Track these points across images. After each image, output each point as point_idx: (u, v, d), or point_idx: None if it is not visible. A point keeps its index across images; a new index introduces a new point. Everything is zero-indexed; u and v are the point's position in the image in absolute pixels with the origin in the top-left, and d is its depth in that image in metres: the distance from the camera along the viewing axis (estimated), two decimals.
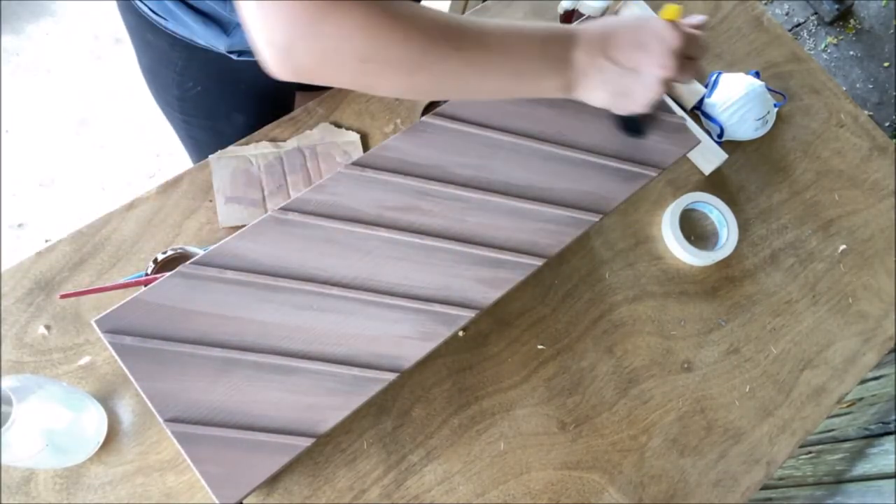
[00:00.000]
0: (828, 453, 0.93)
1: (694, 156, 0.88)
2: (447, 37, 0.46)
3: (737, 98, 0.87)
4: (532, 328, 0.76)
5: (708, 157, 0.86)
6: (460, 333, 0.74)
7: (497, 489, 0.69)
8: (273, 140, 0.79)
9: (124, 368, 0.49)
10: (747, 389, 0.78)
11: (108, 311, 0.50)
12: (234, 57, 0.72)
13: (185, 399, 0.49)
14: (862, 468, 0.83)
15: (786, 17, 2.27)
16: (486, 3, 0.93)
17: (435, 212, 0.58)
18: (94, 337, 0.68)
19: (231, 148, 0.77)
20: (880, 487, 0.77)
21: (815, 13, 2.26)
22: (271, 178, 0.76)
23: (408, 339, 0.54)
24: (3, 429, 0.51)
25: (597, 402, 0.75)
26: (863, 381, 1.00)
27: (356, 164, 0.58)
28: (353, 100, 0.83)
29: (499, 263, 0.57)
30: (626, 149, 0.63)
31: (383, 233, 0.56)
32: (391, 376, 0.52)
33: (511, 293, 0.58)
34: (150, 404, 0.49)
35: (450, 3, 1.56)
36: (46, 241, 1.48)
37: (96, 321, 0.50)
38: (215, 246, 0.53)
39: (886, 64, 2.22)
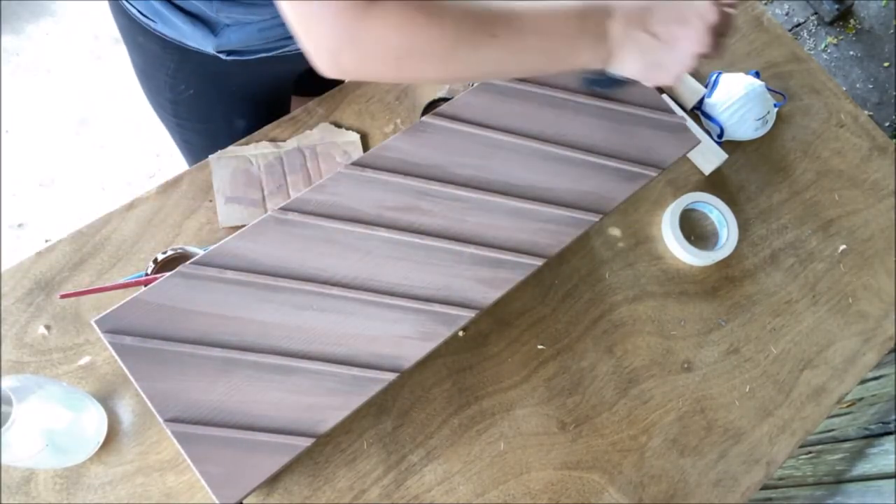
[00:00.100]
0: (828, 453, 0.93)
1: (694, 156, 0.88)
2: (482, 26, 0.48)
3: (737, 98, 0.87)
4: (532, 328, 0.76)
5: (708, 157, 0.86)
6: (460, 333, 0.74)
7: (497, 489, 0.69)
8: (273, 140, 0.79)
9: (124, 368, 0.49)
10: (747, 389, 0.78)
11: (108, 311, 0.50)
12: (223, 57, 0.72)
13: (185, 399, 0.49)
14: (862, 468, 0.83)
15: (786, 17, 2.27)
16: None
17: (435, 212, 0.58)
18: (94, 337, 0.68)
19: (231, 148, 0.77)
20: (880, 487, 0.77)
21: (815, 13, 2.26)
22: (271, 178, 0.76)
23: (408, 339, 0.54)
24: (3, 429, 0.51)
25: (597, 402, 0.75)
26: (863, 381, 1.00)
27: (356, 164, 0.58)
28: (353, 100, 0.83)
29: (499, 263, 0.57)
30: (626, 149, 0.63)
31: (383, 233, 0.56)
32: (391, 376, 0.52)
33: (511, 293, 0.58)
34: (150, 404, 0.49)
35: None
36: (46, 241, 1.48)
37: (96, 321, 0.50)
38: (215, 246, 0.53)
39: (886, 64, 2.22)
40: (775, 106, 0.92)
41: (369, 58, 0.46)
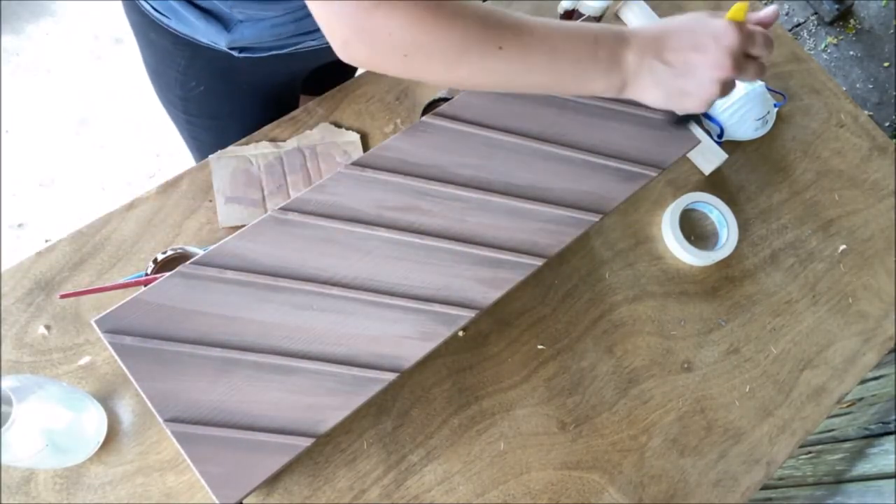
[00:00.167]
0: (828, 453, 0.93)
1: (694, 156, 0.88)
2: (490, 35, 0.48)
3: (737, 98, 0.87)
4: (532, 328, 0.76)
5: (708, 157, 0.86)
6: (460, 333, 0.74)
7: (497, 489, 0.69)
8: (273, 140, 0.79)
9: (124, 368, 0.49)
10: (747, 389, 0.78)
11: (108, 311, 0.50)
12: (235, 54, 0.72)
13: (185, 399, 0.49)
14: (862, 468, 0.83)
15: (786, 17, 2.27)
16: (486, 3, 0.93)
17: (435, 212, 0.58)
18: (94, 337, 0.68)
19: (231, 148, 0.77)
20: (880, 487, 0.77)
21: (815, 13, 2.26)
22: (271, 178, 0.76)
23: (408, 339, 0.54)
24: (3, 429, 0.51)
25: (597, 402, 0.75)
26: (863, 381, 1.00)
27: (356, 164, 0.58)
28: (353, 100, 0.83)
29: (499, 263, 0.57)
30: (625, 149, 0.63)
31: (383, 233, 0.56)
32: (391, 376, 0.52)
33: (511, 293, 0.58)
34: (150, 404, 0.49)
35: None
36: (46, 241, 1.48)
37: (96, 321, 0.50)
38: (215, 246, 0.53)
39: (886, 64, 2.22)
40: (775, 106, 0.92)
41: (377, 51, 0.47)
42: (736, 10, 0.53)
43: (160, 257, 0.64)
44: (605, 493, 0.71)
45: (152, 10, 0.71)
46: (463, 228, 0.58)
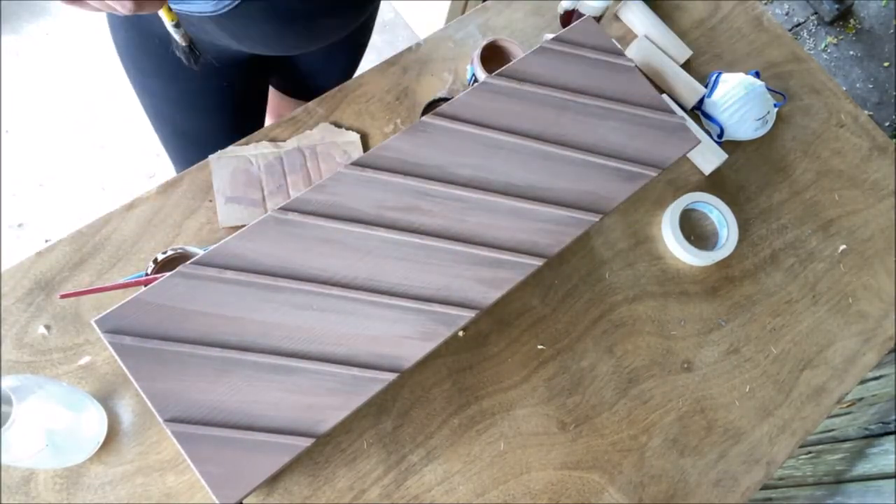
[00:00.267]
0: (828, 453, 0.93)
1: (694, 156, 0.88)
2: None
3: (737, 98, 0.87)
4: (532, 328, 0.76)
5: (708, 157, 0.86)
6: (460, 333, 0.74)
7: (497, 489, 0.69)
8: (273, 140, 0.79)
9: (124, 368, 0.49)
10: (747, 389, 0.78)
11: (108, 311, 0.50)
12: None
13: (185, 399, 0.49)
14: (862, 468, 0.83)
15: (786, 17, 2.27)
16: (486, 3, 0.93)
17: (435, 212, 0.58)
18: (94, 337, 0.68)
19: (231, 148, 0.77)
20: (880, 487, 0.77)
21: (815, 13, 2.26)
22: (271, 178, 0.76)
23: (408, 339, 0.54)
24: (3, 429, 0.51)
25: (597, 402, 0.75)
26: (863, 381, 1.00)
27: (356, 164, 0.58)
28: (353, 100, 0.83)
29: (499, 263, 0.57)
30: (625, 149, 0.63)
31: (383, 233, 0.56)
32: (391, 376, 0.52)
33: (511, 293, 0.58)
34: (150, 404, 0.49)
35: (450, 3, 1.56)
36: (46, 241, 1.48)
37: (96, 321, 0.50)
38: (215, 246, 0.53)
39: (886, 64, 2.22)
40: (775, 106, 0.92)
41: None
42: None
43: (160, 257, 0.64)
44: (605, 493, 0.71)
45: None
46: (463, 228, 0.58)
